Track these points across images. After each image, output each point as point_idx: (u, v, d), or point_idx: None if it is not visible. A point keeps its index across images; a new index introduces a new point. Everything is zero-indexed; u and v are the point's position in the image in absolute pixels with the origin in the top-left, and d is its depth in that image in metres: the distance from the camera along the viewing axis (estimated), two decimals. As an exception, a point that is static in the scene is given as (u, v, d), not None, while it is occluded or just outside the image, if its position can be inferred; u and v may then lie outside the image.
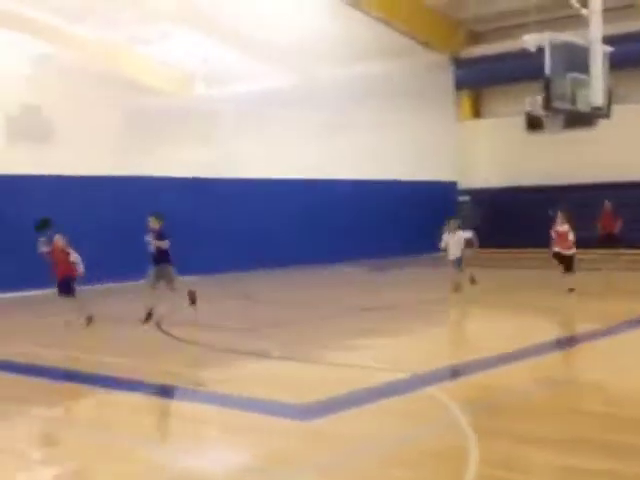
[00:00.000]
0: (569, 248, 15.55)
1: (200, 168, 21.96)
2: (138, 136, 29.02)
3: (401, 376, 8.51)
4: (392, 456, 5.86)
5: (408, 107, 27.66)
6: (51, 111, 28.48)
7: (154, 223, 12.71)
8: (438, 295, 15.44)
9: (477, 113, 32.30)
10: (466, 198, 29.99)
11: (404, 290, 17.46)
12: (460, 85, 30.99)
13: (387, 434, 6.47)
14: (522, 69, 23.86)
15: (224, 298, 15.22)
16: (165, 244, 12.51)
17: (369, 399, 7.56)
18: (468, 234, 15.66)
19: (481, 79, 31.15)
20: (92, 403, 7.22)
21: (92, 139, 27.73)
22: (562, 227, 15.48)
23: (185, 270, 18.28)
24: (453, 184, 30.53)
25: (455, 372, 9.12)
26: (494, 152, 30.42)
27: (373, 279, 20.75)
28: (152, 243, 12.46)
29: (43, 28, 25.42)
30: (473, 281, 15.70)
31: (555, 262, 15.59)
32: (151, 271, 12.54)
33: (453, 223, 15.71)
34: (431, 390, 7.67)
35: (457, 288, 15.08)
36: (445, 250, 15.47)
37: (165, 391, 7.74)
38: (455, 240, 15.34)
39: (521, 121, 23.62)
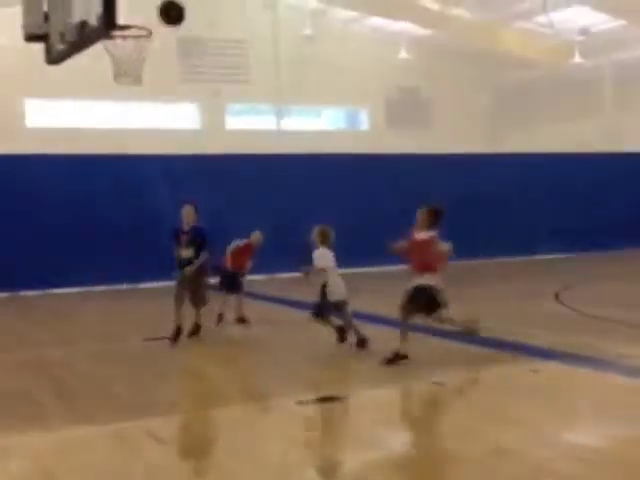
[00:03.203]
0: (430, 270, 7.30)
1: (577, 143, 20.98)
2: (511, 112, 28.77)
3: None
4: None
5: None
6: (428, 92, 29.53)
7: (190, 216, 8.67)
8: None
9: None
10: None
11: None
12: None
13: None
14: None
15: (606, 278, 14.37)
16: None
17: None
18: None
19: None
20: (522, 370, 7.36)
21: (466, 117, 28.17)
22: (420, 234, 7.39)
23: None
24: None
25: None
26: None
27: None
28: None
29: (422, 13, 26.33)
30: None
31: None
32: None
33: None
34: None
35: None
36: None
37: (581, 361, 7.56)
38: None
39: None
